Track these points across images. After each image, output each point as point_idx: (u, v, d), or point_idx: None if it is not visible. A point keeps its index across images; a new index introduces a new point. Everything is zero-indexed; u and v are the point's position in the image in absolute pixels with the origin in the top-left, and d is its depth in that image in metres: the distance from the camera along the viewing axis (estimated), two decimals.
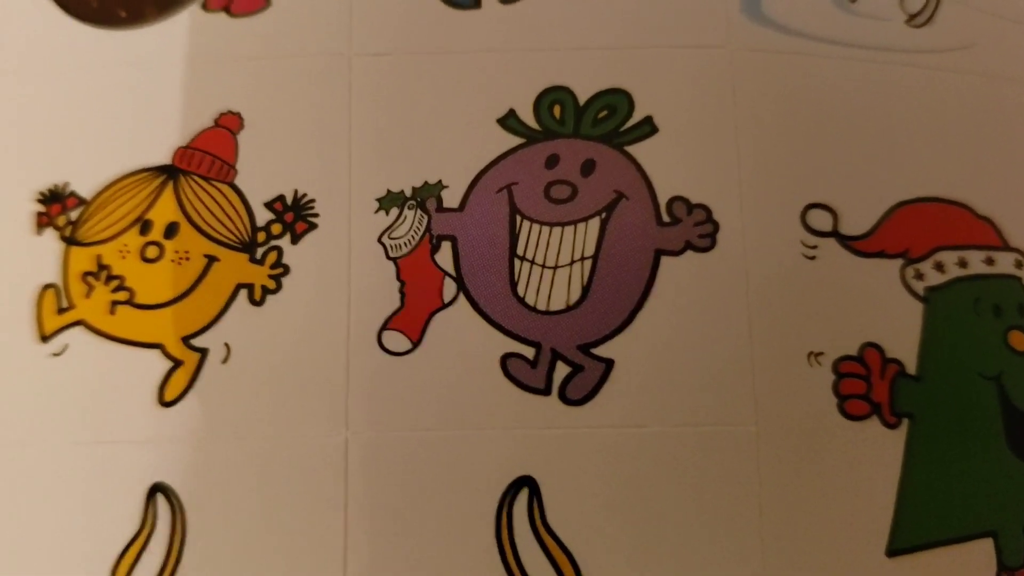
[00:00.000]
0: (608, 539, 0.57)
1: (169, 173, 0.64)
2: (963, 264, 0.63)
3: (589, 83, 0.65)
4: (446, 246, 0.62)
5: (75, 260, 0.63)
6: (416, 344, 0.60)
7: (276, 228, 0.63)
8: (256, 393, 0.60)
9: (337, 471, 0.58)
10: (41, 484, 0.59)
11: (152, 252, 0.63)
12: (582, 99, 0.65)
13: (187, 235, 0.63)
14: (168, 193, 0.64)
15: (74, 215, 0.63)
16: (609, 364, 0.60)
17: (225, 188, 0.64)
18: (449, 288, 0.61)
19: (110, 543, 0.58)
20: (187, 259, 0.62)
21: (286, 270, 0.62)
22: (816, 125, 0.64)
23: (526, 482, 0.58)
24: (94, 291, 0.62)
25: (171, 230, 0.63)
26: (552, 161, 0.63)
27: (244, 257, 0.62)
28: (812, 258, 0.62)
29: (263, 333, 0.61)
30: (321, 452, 0.59)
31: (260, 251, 0.62)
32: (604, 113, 0.64)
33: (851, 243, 0.62)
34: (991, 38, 0.68)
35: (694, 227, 0.62)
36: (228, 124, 0.65)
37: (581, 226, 0.62)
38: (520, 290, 0.61)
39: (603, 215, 0.62)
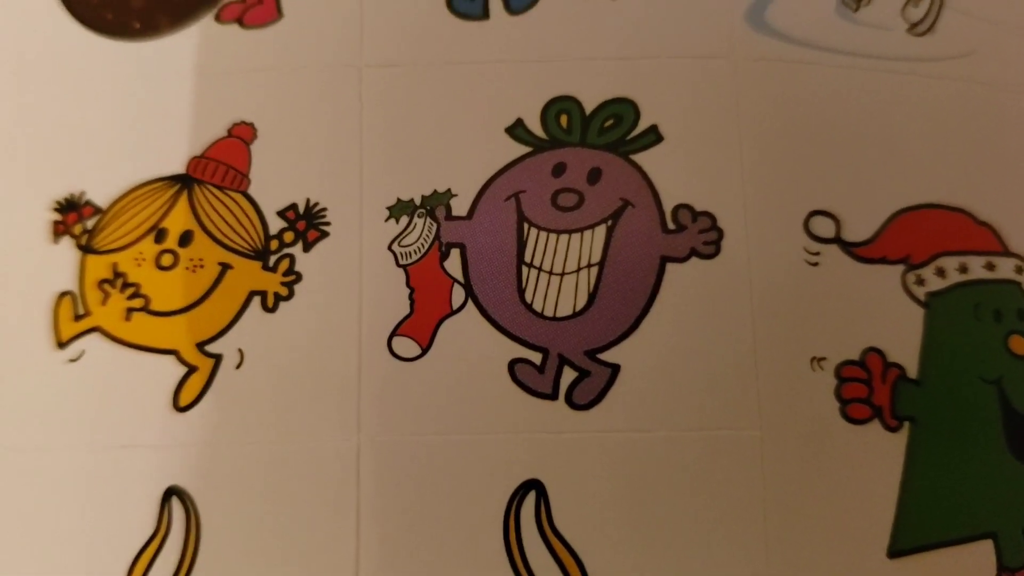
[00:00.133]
0: (614, 541, 0.58)
1: (184, 182, 0.65)
2: (964, 270, 0.63)
3: (595, 93, 0.66)
4: (455, 253, 0.63)
5: (91, 268, 0.64)
6: (425, 350, 0.61)
7: (288, 236, 0.64)
8: (269, 398, 0.61)
9: (349, 475, 0.59)
10: (58, 488, 0.60)
11: (167, 260, 0.64)
12: (588, 108, 0.65)
13: (201, 243, 0.64)
14: (183, 202, 0.65)
15: (90, 224, 0.64)
16: (615, 369, 0.60)
17: (239, 197, 0.65)
18: (458, 295, 0.62)
19: (126, 546, 0.59)
20: (201, 267, 0.63)
21: (298, 277, 0.63)
22: (819, 133, 0.65)
23: (533, 485, 0.59)
24: (110, 298, 0.63)
25: (186, 238, 0.64)
26: (559, 169, 0.64)
27: (257, 265, 0.63)
28: (815, 264, 0.62)
29: (276, 339, 0.62)
30: (333, 456, 0.59)
31: (273, 259, 0.63)
32: (610, 122, 0.65)
33: (853, 249, 0.63)
34: (991, 47, 0.68)
35: (699, 234, 0.63)
36: (241, 134, 0.65)
37: (588, 233, 0.63)
38: (528, 296, 0.62)
39: (609, 222, 0.63)
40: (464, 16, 0.67)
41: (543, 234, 0.63)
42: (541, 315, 0.62)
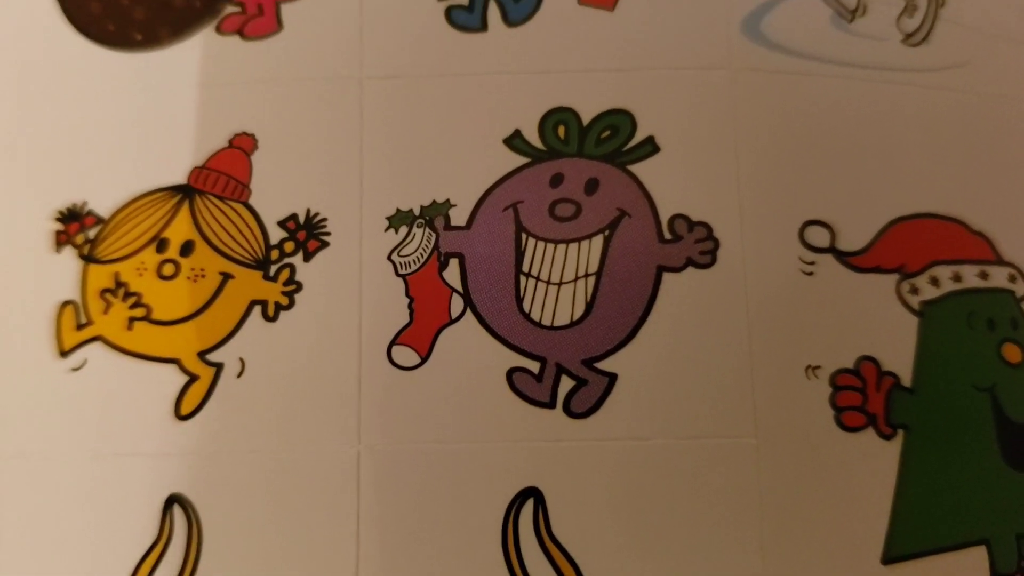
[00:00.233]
0: (611, 548, 0.58)
1: (185, 192, 0.65)
2: (957, 278, 0.64)
3: (592, 104, 0.66)
4: (454, 263, 0.63)
5: (93, 277, 0.64)
6: (425, 359, 0.61)
7: (289, 246, 0.64)
8: (270, 407, 0.61)
9: (349, 482, 0.60)
10: (61, 496, 0.60)
11: (168, 269, 0.64)
12: (586, 119, 0.66)
13: (203, 253, 0.64)
14: (184, 212, 0.65)
15: (92, 233, 0.65)
16: (612, 378, 0.61)
17: (239, 207, 0.65)
18: (457, 304, 0.63)
19: (128, 553, 0.59)
20: (203, 276, 0.64)
21: (299, 287, 0.63)
22: (814, 143, 0.65)
23: (532, 493, 0.59)
24: (112, 307, 0.63)
25: (187, 248, 0.64)
26: (557, 180, 0.65)
27: (258, 274, 0.64)
28: (810, 274, 0.63)
29: (277, 348, 0.62)
30: (333, 464, 0.60)
31: (273, 268, 0.64)
32: (607, 133, 0.65)
33: (848, 259, 0.63)
34: (985, 57, 0.69)
35: (695, 244, 0.63)
36: (242, 145, 0.66)
37: (585, 243, 0.63)
38: (526, 306, 0.62)
39: (606, 232, 0.63)
40: (463, 28, 0.68)
41: (541, 244, 0.63)
42: (539, 324, 0.62)
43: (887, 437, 0.60)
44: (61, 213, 0.65)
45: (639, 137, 0.65)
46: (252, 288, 0.63)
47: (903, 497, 0.60)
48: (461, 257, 0.64)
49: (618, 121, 0.66)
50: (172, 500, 0.60)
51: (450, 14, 0.68)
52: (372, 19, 0.68)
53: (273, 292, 0.63)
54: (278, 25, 0.68)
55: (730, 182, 0.64)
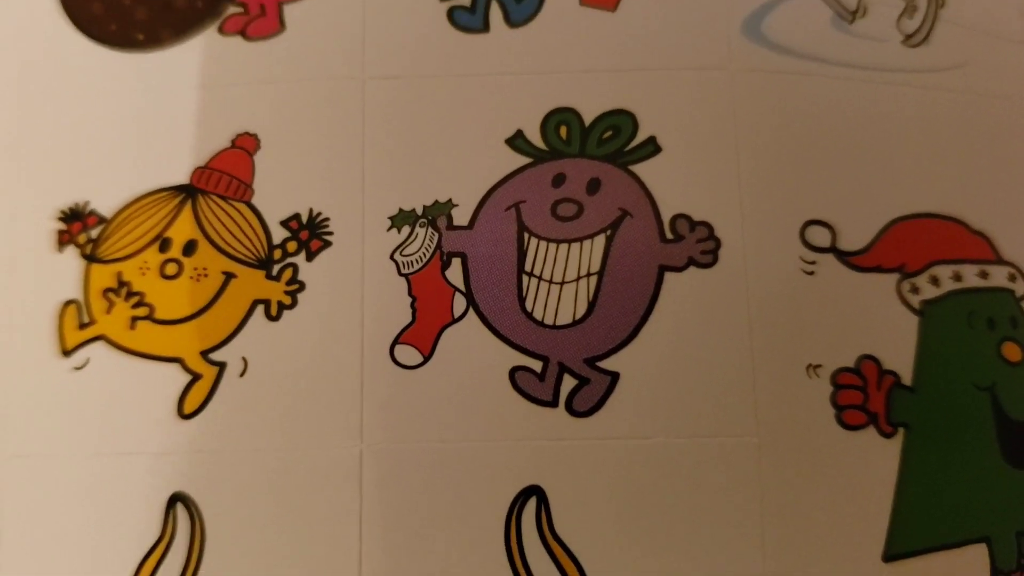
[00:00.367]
0: (614, 546, 0.59)
1: (188, 192, 0.66)
2: (958, 278, 0.64)
3: (594, 104, 0.66)
4: (456, 263, 0.64)
5: (96, 277, 0.64)
6: (427, 358, 0.62)
7: (292, 246, 0.64)
8: (273, 406, 0.61)
9: (352, 482, 0.60)
10: (63, 494, 0.61)
11: (171, 269, 0.64)
12: (587, 120, 0.66)
13: (205, 252, 0.64)
14: (187, 212, 0.65)
15: (95, 233, 0.65)
16: (614, 377, 0.61)
17: (242, 207, 0.65)
18: (459, 303, 0.63)
19: (131, 552, 0.59)
20: (205, 276, 0.64)
21: (301, 286, 0.63)
22: (815, 143, 0.66)
23: (534, 491, 0.59)
24: (114, 307, 0.64)
25: (190, 248, 0.65)
26: (559, 180, 0.65)
27: (261, 274, 0.64)
28: (811, 273, 0.63)
29: (279, 347, 0.62)
30: (336, 463, 0.60)
31: (276, 268, 0.64)
32: (609, 133, 0.66)
33: (849, 258, 0.64)
34: (985, 57, 0.69)
35: (696, 244, 0.63)
36: (245, 145, 0.66)
37: (587, 243, 0.63)
38: (528, 305, 0.63)
39: (608, 232, 0.64)
40: (465, 29, 0.68)
41: (543, 244, 0.64)
42: (541, 323, 0.62)
43: (888, 435, 0.61)
44: (63, 213, 0.65)
45: (641, 137, 0.66)
46: (255, 287, 0.64)
47: (904, 495, 0.60)
48: (464, 256, 0.64)
49: (620, 121, 0.66)
50: (175, 499, 0.60)
51: (452, 15, 0.68)
52: (374, 20, 0.68)
53: (276, 291, 0.63)
54: (280, 25, 0.68)
55: (731, 182, 0.64)
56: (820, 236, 0.64)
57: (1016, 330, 0.63)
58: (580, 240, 0.63)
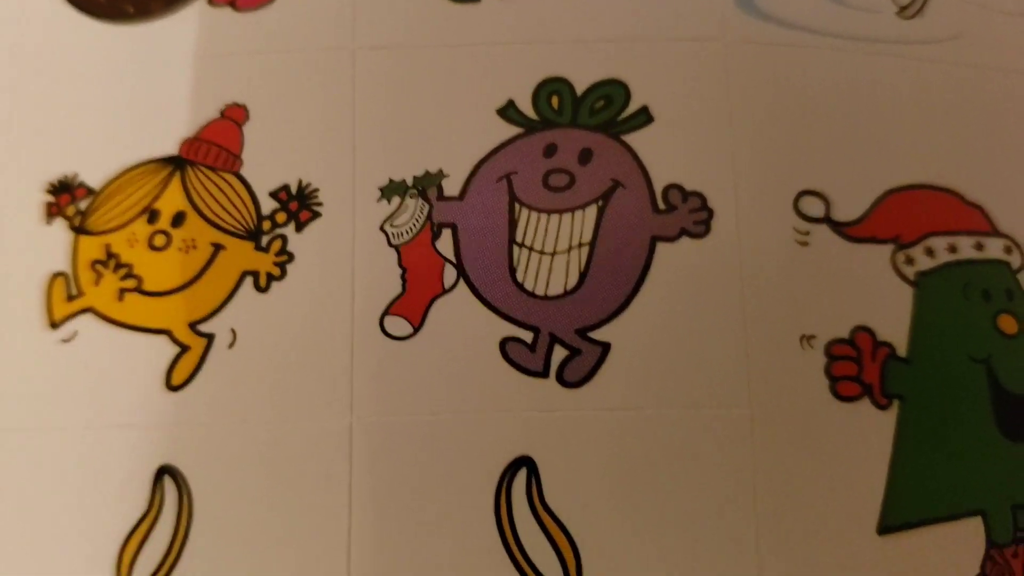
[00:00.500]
0: (604, 518, 0.58)
1: (176, 164, 0.65)
2: (953, 249, 0.63)
3: (586, 74, 0.66)
4: (447, 233, 0.63)
5: (84, 249, 0.64)
6: (417, 329, 0.61)
7: (281, 217, 0.64)
8: (261, 377, 0.61)
9: (342, 454, 0.59)
10: (50, 467, 0.60)
11: (160, 240, 0.64)
12: (579, 90, 0.66)
13: (194, 224, 0.64)
14: (175, 183, 0.65)
15: (83, 205, 0.65)
16: (606, 348, 0.61)
17: (231, 178, 0.65)
18: (449, 274, 0.62)
19: (118, 525, 0.59)
20: (194, 247, 0.63)
21: (291, 258, 0.63)
22: (808, 114, 0.65)
23: (525, 463, 0.59)
24: (103, 279, 0.63)
25: (178, 219, 0.64)
26: (550, 150, 0.65)
27: (250, 245, 0.63)
28: (805, 244, 0.63)
29: (268, 319, 0.62)
30: (326, 435, 0.60)
31: (265, 239, 0.63)
32: (601, 103, 0.65)
33: (843, 229, 0.63)
34: (979, 29, 0.69)
35: (689, 214, 0.63)
36: (234, 116, 0.66)
37: (579, 213, 0.63)
38: (519, 276, 0.62)
39: (600, 203, 0.63)
40: None
41: (534, 214, 0.63)
42: (532, 294, 0.62)
43: (882, 407, 0.60)
44: (52, 185, 0.65)
45: (633, 107, 0.65)
46: (244, 259, 0.63)
47: (898, 468, 0.59)
48: (454, 227, 0.63)
49: (612, 91, 0.65)
50: (163, 471, 0.59)
51: None
52: None
53: (265, 263, 0.63)
54: None
55: (724, 152, 0.64)
56: (814, 206, 0.63)
57: (1012, 302, 0.63)
58: (572, 211, 0.63)
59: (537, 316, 0.61)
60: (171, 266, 0.63)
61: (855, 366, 0.61)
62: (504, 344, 0.61)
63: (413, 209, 0.63)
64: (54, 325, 0.62)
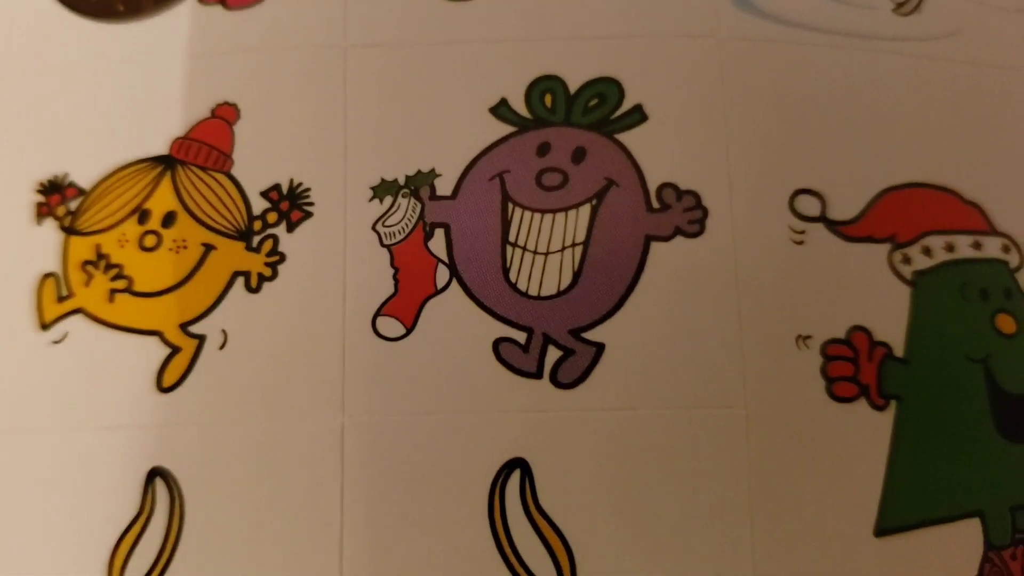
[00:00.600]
0: (599, 519, 0.58)
1: (167, 163, 0.65)
2: (950, 248, 0.63)
3: (580, 72, 0.65)
4: (439, 233, 0.63)
5: (74, 249, 0.64)
6: (410, 330, 0.61)
7: (272, 216, 0.63)
8: (253, 378, 0.60)
9: (334, 455, 0.59)
10: (41, 469, 0.60)
11: (150, 241, 0.63)
12: (573, 88, 0.65)
13: (185, 224, 0.64)
14: (166, 183, 0.64)
15: (73, 205, 0.64)
16: (600, 348, 0.60)
17: (222, 178, 0.64)
18: (442, 274, 0.62)
19: (109, 527, 0.58)
20: (185, 247, 0.63)
21: (282, 258, 0.63)
22: (804, 112, 0.65)
23: (518, 464, 0.59)
24: (93, 280, 0.63)
25: (169, 219, 0.64)
26: (544, 149, 0.64)
27: (241, 245, 0.63)
28: (800, 243, 0.62)
29: (260, 320, 0.61)
30: (318, 436, 0.59)
31: (256, 239, 0.63)
32: (595, 101, 0.65)
33: (839, 228, 0.63)
34: (976, 26, 0.68)
35: (683, 213, 0.62)
36: (225, 115, 0.65)
37: (572, 213, 0.63)
38: (512, 276, 0.62)
39: (594, 202, 0.63)
40: None
41: (527, 214, 0.63)
42: (526, 294, 0.61)
43: (879, 408, 0.60)
44: (42, 185, 0.65)
45: (627, 105, 0.65)
46: (235, 259, 0.63)
47: (896, 469, 0.59)
48: (447, 227, 0.63)
49: (606, 89, 0.65)
50: (154, 473, 0.59)
51: None
52: None
53: (256, 263, 0.63)
54: None
55: (719, 151, 0.64)
56: (810, 205, 0.63)
57: (1010, 301, 0.63)
58: (565, 210, 0.63)
59: (530, 316, 0.61)
60: (162, 267, 0.63)
61: (852, 366, 0.60)
62: (497, 345, 0.60)
63: (405, 208, 0.63)
64: (44, 326, 0.62)
